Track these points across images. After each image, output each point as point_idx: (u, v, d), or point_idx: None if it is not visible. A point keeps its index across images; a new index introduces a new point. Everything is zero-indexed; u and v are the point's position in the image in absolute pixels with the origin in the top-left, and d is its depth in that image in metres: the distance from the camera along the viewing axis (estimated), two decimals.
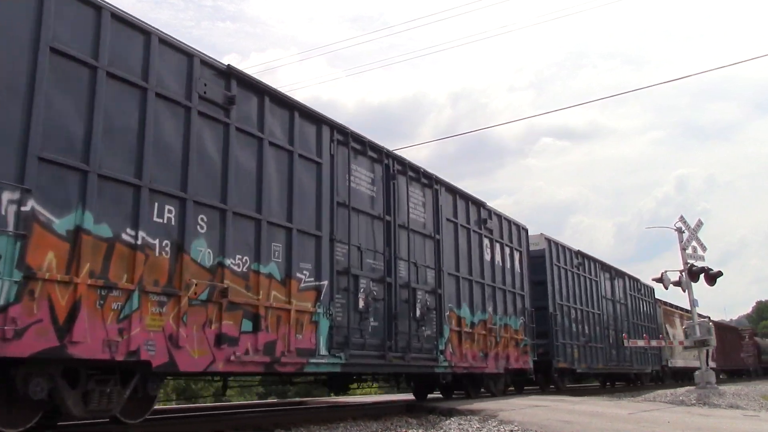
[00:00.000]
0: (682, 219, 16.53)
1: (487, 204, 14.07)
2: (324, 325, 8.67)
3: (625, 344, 21.75)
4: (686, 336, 16.62)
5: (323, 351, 8.60)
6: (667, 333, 28.28)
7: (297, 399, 13.88)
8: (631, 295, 24.18)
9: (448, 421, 8.70)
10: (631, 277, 24.58)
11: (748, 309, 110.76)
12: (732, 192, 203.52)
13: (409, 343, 10.41)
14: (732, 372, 45.75)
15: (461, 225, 12.82)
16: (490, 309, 13.49)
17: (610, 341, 21.05)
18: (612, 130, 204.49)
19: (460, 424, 8.31)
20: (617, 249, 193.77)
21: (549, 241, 17.53)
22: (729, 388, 16.69)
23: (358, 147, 10.00)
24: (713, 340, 16.05)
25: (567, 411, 9.54)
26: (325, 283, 8.81)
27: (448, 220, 12.37)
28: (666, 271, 16.41)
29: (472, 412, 9.35)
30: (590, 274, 20.22)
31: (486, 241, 13.81)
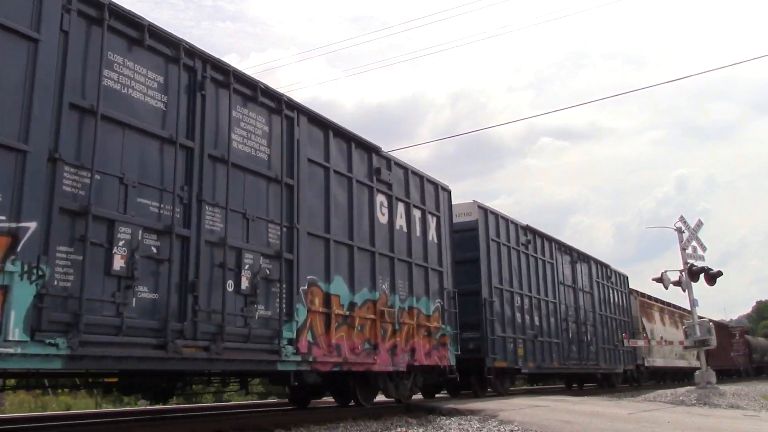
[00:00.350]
0: (682, 219, 16.15)
1: (384, 151, 10.76)
2: (23, 292, 5.30)
3: (625, 344, 21.23)
4: (686, 336, 16.27)
5: (16, 334, 5.23)
6: (644, 327, 25.03)
7: None
8: (598, 282, 20.91)
9: (448, 421, 8.61)
10: (598, 263, 21.31)
11: (748, 309, 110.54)
12: (732, 192, 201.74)
13: (222, 328, 7.06)
14: (720, 372, 42.51)
15: (337, 171, 9.51)
16: (384, 286, 10.17)
17: (570, 336, 17.74)
18: (612, 130, 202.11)
19: (460, 424, 8.22)
20: (617, 249, 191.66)
21: (484, 210, 14.24)
22: (729, 388, 16.27)
23: (129, 32, 6.65)
24: (713, 340, 15.77)
25: (567, 411, 9.46)
26: (33, 225, 5.46)
27: (313, 162, 9.05)
28: (666, 271, 16.15)
29: (473, 412, 9.32)
30: (543, 255, 16.93)
31: (381, 198, 10.50)
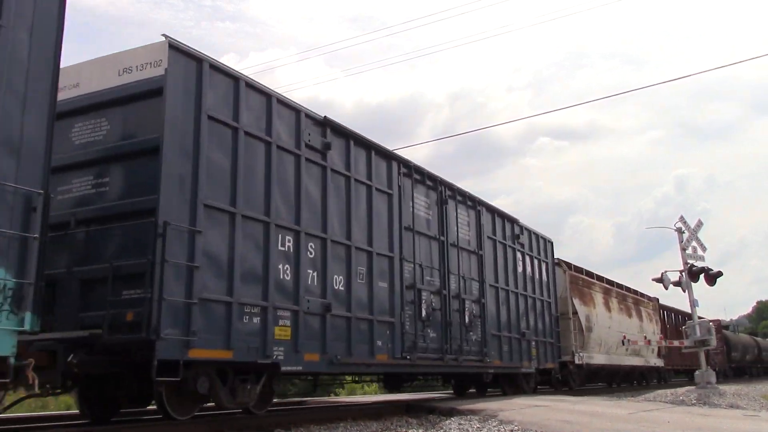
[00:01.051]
0: (682, 219, 16.21)
1: None
2: None
3: (624, 344, 20.53)
4: (686, 336, 16.32)
5: None
6: (575, 312, 18.44)
7: (297, 399, 13.82)
8: (495, 240, 14.27)
9: (448, 421, 8.57)
10: (497, 213, 14.66)
11: (748, 309, 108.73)
12: (732, 192, 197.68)
13: None
14: (693, 372, 36.14)
15: None
16: None
17: (423, 313, 11.06)
18: (611, 130, 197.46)
19: (460, 424, 8.18)
20: (617, 249, 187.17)
21: (194, 61, 7.41)
22: (729, 388, 16.19)
23: None
24: (713, 340, 16.19)
25: (567, 411, 9.44)
26: None
27: None
28: (666, 271, 16.16)
29: (473, 412, 9.18)
30: (369, 178, 10.23)
31: None
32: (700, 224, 16.38)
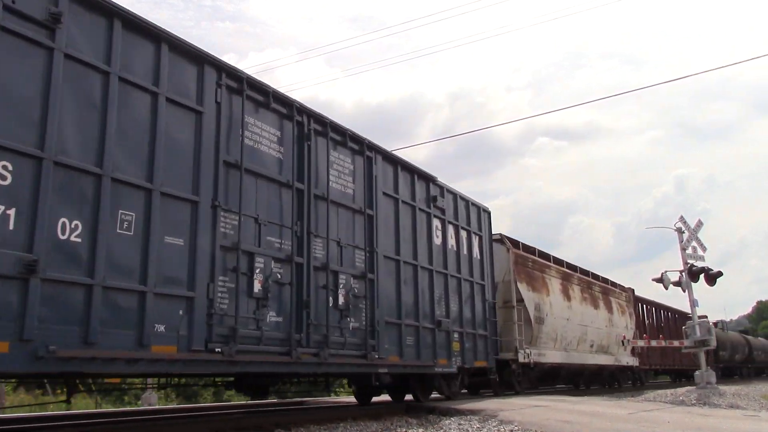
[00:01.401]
0: (682, 219, 16.21)
1: None
2: None
3: (624, 345, 20.77)
4: (686, 336, 16.15)
5: None
6: (521, 299, 15.10)
7: (297, 399, 13.98)
8: (399, 200, 10.91)
9: (448, 421, 8.58)
10: (412, 169, 11.30)
11: (748, 309, 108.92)
12: (732, 192, 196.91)
13: None
14: (677, 373, 32.92)
15: None
16: None
17: (253, 288, 7.71)
18: (610, 130, 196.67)
19: (460, 424, 8.17)
20: (617, 249, 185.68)
21: None
22: (729, 388, 16.09)
23: None
24: (713, 340, 15.98)
25: (567, 411, 9.33)
26: None
27: None
28: (666, 271, 16.19)
29: (473, 412, 9.22)
30: (170, 89, 6.83)
31: None
32: (700, 224, 16.45)
